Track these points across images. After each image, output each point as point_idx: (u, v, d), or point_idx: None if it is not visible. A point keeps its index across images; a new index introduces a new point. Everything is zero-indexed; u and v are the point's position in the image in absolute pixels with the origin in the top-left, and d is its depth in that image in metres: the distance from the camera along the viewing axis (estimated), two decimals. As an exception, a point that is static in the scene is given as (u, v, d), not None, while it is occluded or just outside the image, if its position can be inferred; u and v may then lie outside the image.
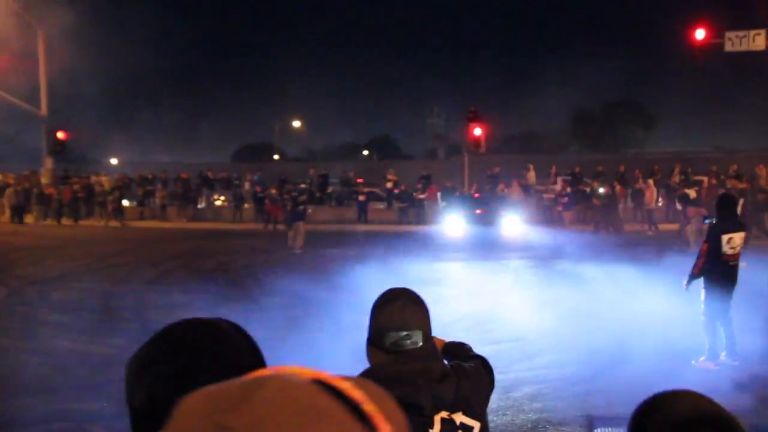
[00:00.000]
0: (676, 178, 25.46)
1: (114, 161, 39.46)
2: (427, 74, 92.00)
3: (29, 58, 28.37)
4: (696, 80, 48.10)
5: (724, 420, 1.10)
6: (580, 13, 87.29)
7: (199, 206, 29.12)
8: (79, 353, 7.47)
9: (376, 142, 58.14)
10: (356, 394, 0.50)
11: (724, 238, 6.69)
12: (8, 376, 6.59)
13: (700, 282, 6.79)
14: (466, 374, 1.92)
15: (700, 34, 23.61)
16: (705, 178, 24.25)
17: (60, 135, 28.49)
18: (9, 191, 26.50)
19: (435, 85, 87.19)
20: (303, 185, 28.41)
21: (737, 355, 6.74)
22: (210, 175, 30.52)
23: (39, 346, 7.81)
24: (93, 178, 29.46)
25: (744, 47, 23.15)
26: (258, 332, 1.11)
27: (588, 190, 24.17)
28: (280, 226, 22.02)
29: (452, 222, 21.47)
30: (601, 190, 22.46)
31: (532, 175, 27.58)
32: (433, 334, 1.98)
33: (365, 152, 56.97)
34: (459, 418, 1.85)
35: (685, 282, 6.84)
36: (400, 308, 1.86)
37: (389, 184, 27.85)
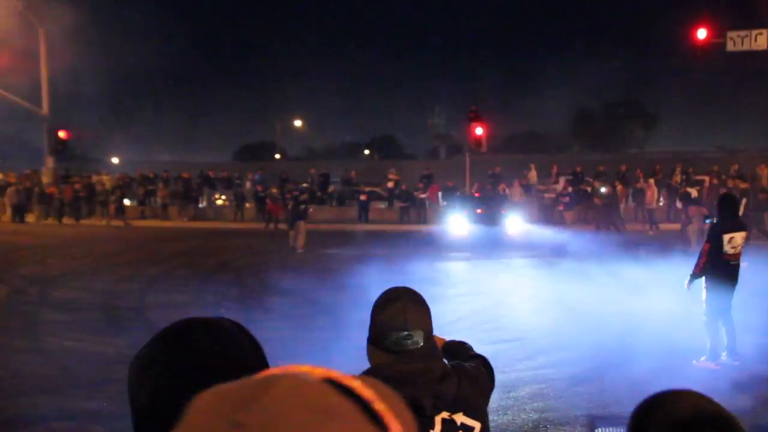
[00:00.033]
0: (678, 178, 25.44)
1: (115, 160, 39.56)
2: (429, 74, 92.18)
3: (31, 57, 28.38)
4: (697, 80, 48.16)
5: (724, 420, 1.10)
6: (582, 13, 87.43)
7: (200, 205, 29.14)
8: (81, 352, 7.47)
9: (377, 141, 58.24)
10: (367, 393, 0.50)
11: (726, 237, 6.69)
12: (10, 376, 6.59)
13: (701, 282, 6.80)
14: (466, 374, 1.91)
15: (701, 33, 23.61)
16: (706, 178, 24.22)
17: (61, 134, 28.47)
18: (10, 190, 26.52)
19: (436, 85, 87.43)
20: (304, 185, 28.42)
21: (738, 355, 6.74)
22: (211, 174, 30.55)
23: (40, 345, 7.82)
24: (94, 178, 29.48)
25: (746, 47, 23.14)
26: (259, 331, 1.12)
27: (589, 189, 24.16)
28: (282, 226, 22.01)
29: (453, 221, 21.46)
30: (603, 189, 22.46)
31: (533, 175, 27.57)
32: (434, 333, 1.97)
33: (366, 152, 57.07)
34: (460, 418, 1.85)
35: (686, 282, 6.84)
36: (401, 308, 1.85)
37: (390, 184, 27.85)
